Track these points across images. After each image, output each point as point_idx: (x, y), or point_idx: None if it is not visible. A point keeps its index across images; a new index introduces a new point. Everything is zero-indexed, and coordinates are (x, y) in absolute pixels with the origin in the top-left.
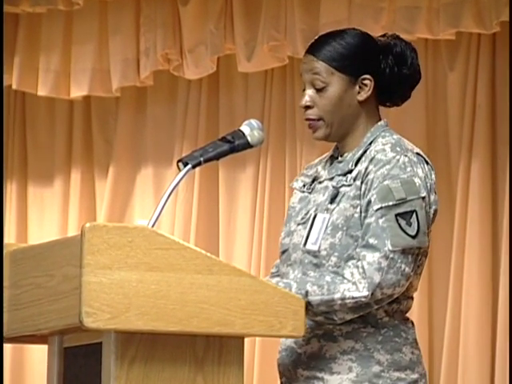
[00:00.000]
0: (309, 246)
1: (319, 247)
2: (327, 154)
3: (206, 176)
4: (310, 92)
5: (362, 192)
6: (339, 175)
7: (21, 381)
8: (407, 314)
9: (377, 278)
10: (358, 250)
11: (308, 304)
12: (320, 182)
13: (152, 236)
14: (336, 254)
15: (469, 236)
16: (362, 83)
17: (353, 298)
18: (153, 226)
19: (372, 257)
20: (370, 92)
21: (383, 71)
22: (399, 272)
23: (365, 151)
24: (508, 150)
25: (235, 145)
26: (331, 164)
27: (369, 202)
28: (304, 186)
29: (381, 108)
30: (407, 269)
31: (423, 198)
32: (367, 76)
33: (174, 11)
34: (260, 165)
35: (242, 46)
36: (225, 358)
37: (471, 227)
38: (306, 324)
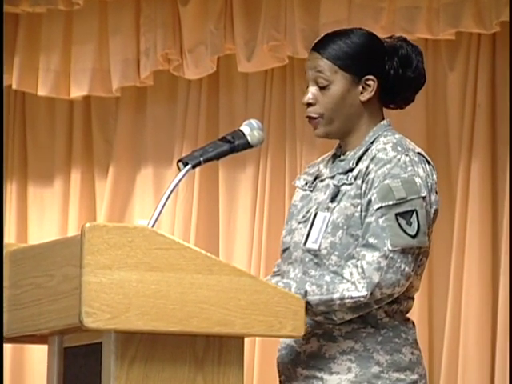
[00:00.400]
0: (309, 245)
1: (319, 246)
2: (330, 153)
3: (206, 176)
4: (312, 89)
5: (362, 191)
6: (340, 174)
7: (21, 381)
8: (408, 315)
9: (376, 278)
10: (357, 249)
11: (307, 304)
12: (321, 180)
13: (152, 236)
14: (336, 252)
15: (469, 236)
16: (366, 83)
17: (352, 297)
18: (153, 226)
19: (371, 256)
20: (372, 93)
21: (388, 73)
22: (399, 272)
23: (366, 150)
24: (508, 150)
25: (235, 145)
26: (333, 162)
27: (369, 201)
28: (306, 184)
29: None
30: (407, 268)
31: (424, 197)
32: (371, 77)
33: (174, 11)
34: (260, 165)
35: (241, 46)
36: (225, 357)
37: (471, 227)
38: (305, 324)
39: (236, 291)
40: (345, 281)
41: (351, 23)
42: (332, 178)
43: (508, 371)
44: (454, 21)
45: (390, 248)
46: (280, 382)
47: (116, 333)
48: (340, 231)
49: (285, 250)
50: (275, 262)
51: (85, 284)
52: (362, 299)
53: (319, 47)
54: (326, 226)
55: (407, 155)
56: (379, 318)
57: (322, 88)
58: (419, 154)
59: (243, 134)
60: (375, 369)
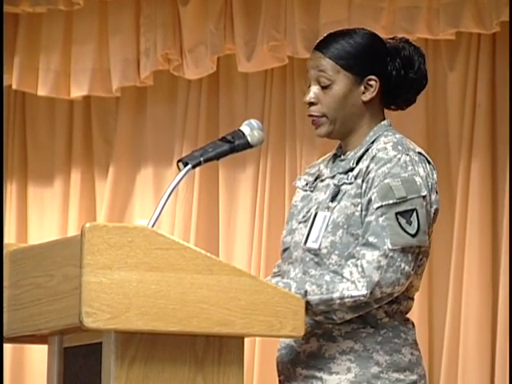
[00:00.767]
0: (309, 244)
1: (320, 245)
2: (330, 153)
3: (206, 176)
4: (314, 88)
5: (362, 190)
6: (340, 173)
7: (21, 381)
8: (408, 315)
9: (376, 277)
10: (357, 248)
11: (307, 303)
12: (322, 181)
13: (152, 236)
14: (336, 252)
15: (469, 236)
16: (368, 84)
17: (351, 296)
18: (153, 226)
19: (371, 255)
20: (374, 93)
21: (390, 74)
22: (399, 271)
23: (367, 150)
24: (508, 150)
25: (235, 145)
26: (334, 162)
27: (369, 201)
28: (306, 184)
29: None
30: (407, 267)
31: (424, 196)
32: (373, 77)
33: (174, 11)
34: (260, 165)
35: (241, 46)
36: (225, 357)
37: (471, 227)
38: (305, 324)
39: (236, 291)
40: (345, 280)
41: (351, 23)
42: (332, 177)
43: (508, 371)
44: (454, 21)
45: (390, 247)
46: (279, 381)
47: (116, 333)
48: (340, 230)
49: (285, 250)
50: (275, 263)
51: (85, 284)
52: (361, 298)
53: (322, 46)
54: (327, 226)
55: (408, 155)
56: (379, 318)
57: (324, 87)
58: (420, 153)
59: (243, 133)
60: (375, 369)
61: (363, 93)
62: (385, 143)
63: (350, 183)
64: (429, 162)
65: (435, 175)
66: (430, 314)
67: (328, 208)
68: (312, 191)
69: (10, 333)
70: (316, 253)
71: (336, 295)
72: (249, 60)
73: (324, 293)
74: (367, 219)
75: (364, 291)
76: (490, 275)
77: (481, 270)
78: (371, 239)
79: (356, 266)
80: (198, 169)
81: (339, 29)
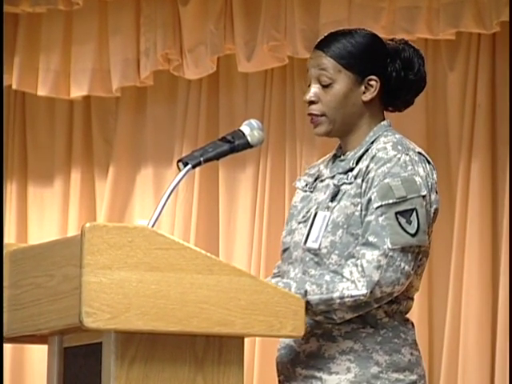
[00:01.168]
0: (309, 244)
1: (320, 245)
2: (330, 154)
3: (206, 176)
4: (315, 87)
5: (362, 190)
6: (340, 173)
7: (21, 381)
8: (407, 315)
9: (376, 276)
10: (357, 248)
11: (307, 303)
12: (322, 181)
13: (152, 236)
14: (336, 252)
15: (469, 236)
16: (368, 84)
17: (351, 296)
18: (153, 226)
19: (371, 255)
20: (375, 93)
21: (390, 74)
22: (398, 270)
23: (366, 150)
24: (508, 149)
25: (235, 145)
26: (333, 163)
27: (369, 200)
28: (306, 185)
29: None
30: (407, 267)
31: (423, 196)
32: (374, 77)
33: (174, 11)
34: (260, 165)
35: (241, 46)
36: (225, 357)
37: (471, 227)
38: (305, 324)
39: (236, 291)
40: (345, 280)
41: (351, 23)
42: (332, 177)
43: (508, 371)
44: (454, 21)
45: (390, 246)
46: (279, 381)
47: (116, 333)
48: (340, 230)
49: (285, 251)
50: (275, 263)
51: (85, 284)
52: (361, 298)
53: (323, 45)
54: (326, 226)
55: (407, 154)
56: (379, 318)
57: (325, 86)
58: (419, 153)
59: (243, 133)
60: (374, 369)
61: (364, 92)
62: (384, 143)
63: (350, 183)
64: (428, 162)
65: (435, 175)
66: (430, 314)
67: (328, 208)
68: (312, 192)
69: (9, 333)
70: (316, 253)
71: (336, 295)
72: (249, 60)
73: (324, 292)
74: (367, 219)
75: (364, 291)
76: (489, 275)
77: (481, 270)
78: (371, 239)
79: (356, 265)
80: (198, 169)
81: (340, 28)
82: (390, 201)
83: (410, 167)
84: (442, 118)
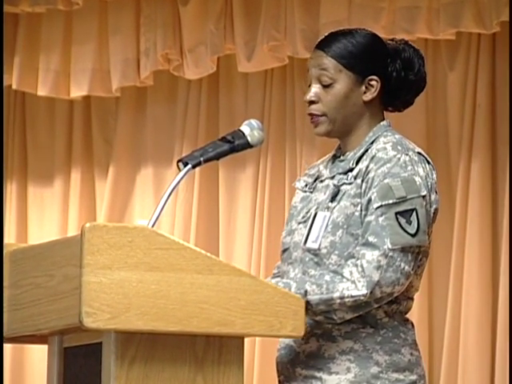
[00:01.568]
0: (309, 245)
1: (319, 245)
2: (330, 154)
3: (206, 176)
4: (315, 87)
5: (362, 190)
6: (340, 174)
7: (21, 381)
8: (407, 315)
9: (376, 277)
10: (357, 248)
11: (307, 303)
12: (321, 181)
13: (152, 236)
14: (336, 252)
15: (469, 236)
16: (369, 84)
17: (352, 296)
18: (153, 226)
19: (371, 255)
20: (375, 93)
21: (390, 74)
22: (398, 270)
23: (366, 150)
24: (508, 149)
25: (235, 145)
26: (333, 163)
27: (369, 200)
28: (306, 185)
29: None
30: (407, 267)
31: (423, 196)
32: (374, 77)
33: (174, 11)
34: (260, 165)
35: (242, 46)
36: (225, 357)
37: (471, 227)
38: (306, 324)
39: (236, 291)
40: (345, 280)
41: (351, 23)
42: (332, 178)
43: (508, 371)
44: (454, 21)
45: (390, 247)
46: (279, 381)
47: (116, 333)
48: (340, 230)
49: (285, 251)
50: (275, 263)
51: (85, 284)
52: (362, 298)
53: (324, 45)
54: (326, 226)
55: (407, 154)
56: (379, 318)
57: (326, 86)
58: (419, 153)
59: (243, 133)
60: (374, 369)
61: (364, 92)
62: (384, 143)
63: (350, 183)
64: (428, 162)
65: (435, 175)
66: (430, 314)
67: (328, 208)
68: (311, 192)
69: (9, 333)
70: (316, 253)
71: (336, 295)
72: (249, 60)
73: (324, 292)
74: (367, 219)
75: (364, 291)
76: (490, 275)
77: (481, 270)
78: (371, 239)
79: (356, 265)
80: (198, 169)
81: (340, 28)
82: (390, 201)
83: (409, 167)
84: (442, 118)
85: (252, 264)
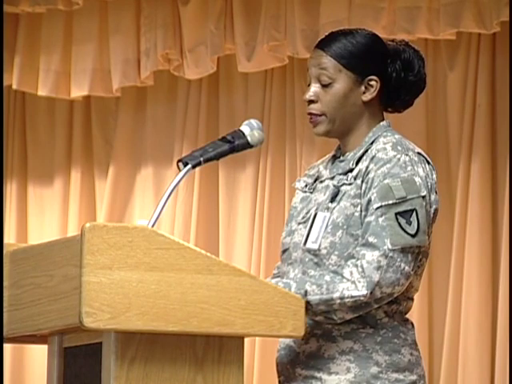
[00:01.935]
0: (309, 245)
1: (319, 246)
2: (330, 154)
3: (206, 176)
4: (315, 86)
5: (362, 191)
6: (340, 174)
7: (21, 381)
8: (407, 315)
9: (376, 277)
10: (357, 248)
11: (307, 303)
12: (321, 182)
13: (152, 236)
14: (336, 252)
15: (469, 236)
16: (369, 84)
17: (352, 296)
18: (153, 226)
19: (371, 255)
20: (375, 93)
21: (390, 75)
22: (399, 271)
23: (366, 150)
24: (508, 150)
25: (235, 145)
26: (333, 163)
27: (369, 201)
28: (306, 186)
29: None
30: (407, 268)
31: (423, 196)
32: (374, 77)
33: (174, 11)
34: (260, 165)
35: (242, 46)
36: (225, 357)
37: (471, 227)
38: (306, 324)
39: (236, 291)
40: (345, 280)
41: (351, 23)
42: (332, 178)
43: (508, 371)
44: (454, 21)
45: (390, 247)
46: (279, 382)
47: (116, 333)
48: (340, 231)
49: (284, 251)
50: (275, 263)
51: (85, 284)
52: (362, 298)
53: (324, 45)
54: (326, 226)
55: (407, 155)
56: (378, 318)
57: (325, 86)
58: (419, 153)
59: (243, 133)
60: (374, 369)
61: (364, 93)
62: (384, 144)
63: (350, 184)
64: (428, 162)
65: (434, 175)
66: (429, 314)
67: (327, 209)
68: (311, 192)
69: (9, 333)
70: (315, 253)
71: (336, 295)
72: (249, 60)
73: (324, 293)
74: (367, 219)
75: (364, 291)
76: (490, 275)
77: (481, 269)
78: (371, 239)
79: (356, 266)
80: (198, 169)
81: (341, 28)
82: (390, 201)
83: (409, 168)
84: (442, 118)
85: (252, 264)
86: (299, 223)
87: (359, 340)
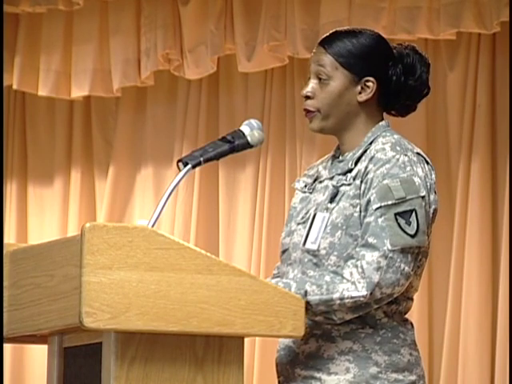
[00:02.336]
0: (308, 245)
1: (318, 246)
2: (329, 155)
3: (206, 176)
4: (313, 82)
5: (361, 191)
6: (339, 174)
7: (21, 381)
8: (407, 315)
9: (376, 278)
10: (357, 249)
11: (307, 304)
12: (320, 182)
13: (152, 236)
14: (335, 253)
15: (469, 236)
16: (365, 84)
17: (352, 297)
18: (153, 226)
19: (371, 256)
20: (371, 95)
21: (390, 78)
22: (398, 271)
23: (365, 150)
24: (508, 150)
25: (235, 145)
26: (332, 164)
27: (368, 201)
28: (305, 186)
29: None
30: (407, 268)
31: (423, 197)
32: (371, 78)
33: (174, 11)
34: (260, 165)
35: (242, 46)
36: (225, 357)
37: (471, 227)
38: (305, 324)
39: (236, 291)
40: (345, 281)
41: (351, 23)
42: (331, 179)
43: (508, 371)
44: (454, 21)
45: (390, 248)
46: (279, 382)
47: (116, 333)
48: (339, 231)
49: (284, 252)
50: (275, 263)
51: (85, 284)
52: (361, 299)
53: (325, 42)
54: (325, 227)
55: (406, 155)
56: (378, 318)
57: (322, 82)
58: (418, 153)
59: (243, 134)
60: (373, 369)
61: (359, 93)
62: (383, 144)
63: (349, 184)
64: (427, 163)
65: (434, 175)
66: (429, 314)
67: (327, 209)
68: (311, 193)
69: (9, 333)
70: (315, 254)
71: (336, 296)
72: (249, 60)
73: (324, 293)
74: (366, 220)
75: (364, 292)
76: (490, 275)
77: (481, 269)
78: (371, 240)
79: (356, 266)
80: (198, 169)
81: (347, 27)
82: (390, 202)
83: (408, 168)
84: (442, 118)
85: (252, 264)
86: (298, 223)
87: (358, 340)
